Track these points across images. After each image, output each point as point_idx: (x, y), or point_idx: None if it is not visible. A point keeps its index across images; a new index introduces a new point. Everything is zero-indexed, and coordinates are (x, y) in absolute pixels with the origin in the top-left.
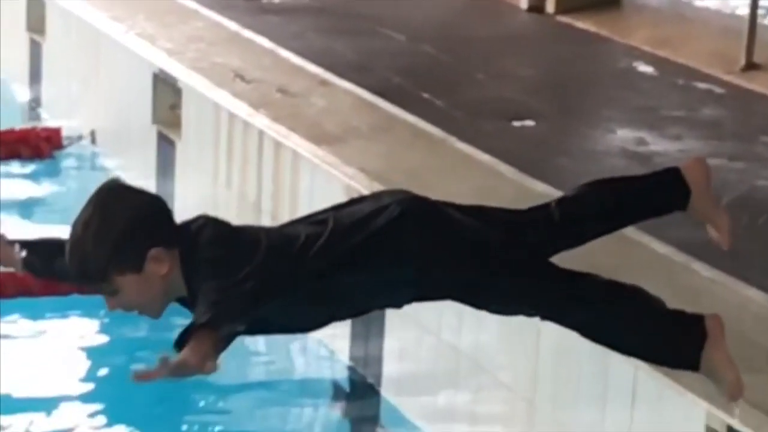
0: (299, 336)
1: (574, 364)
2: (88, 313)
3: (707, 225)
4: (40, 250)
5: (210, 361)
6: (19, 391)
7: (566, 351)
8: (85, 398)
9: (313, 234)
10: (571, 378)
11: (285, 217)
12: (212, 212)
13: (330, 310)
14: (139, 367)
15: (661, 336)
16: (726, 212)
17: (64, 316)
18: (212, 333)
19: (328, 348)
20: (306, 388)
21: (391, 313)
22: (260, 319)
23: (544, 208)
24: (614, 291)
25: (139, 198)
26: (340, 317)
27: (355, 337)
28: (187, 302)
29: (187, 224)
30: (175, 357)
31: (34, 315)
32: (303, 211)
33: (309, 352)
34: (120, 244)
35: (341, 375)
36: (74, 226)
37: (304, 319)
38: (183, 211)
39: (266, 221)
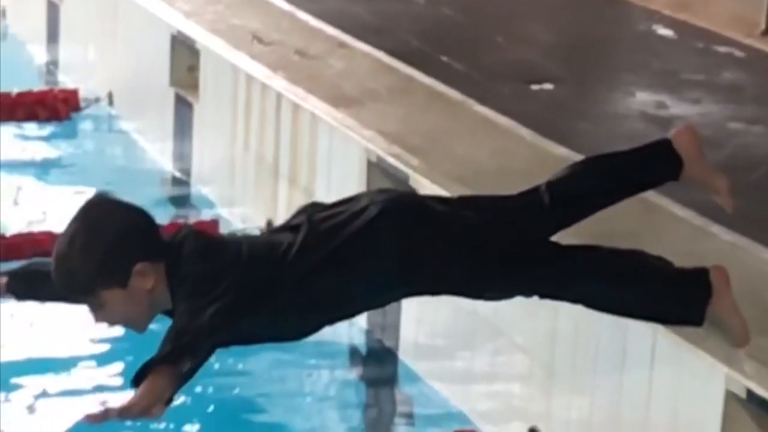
0: None
1: (592, 329)
2: None
3: (708, 190)
4: (23, 275)
5: (160, 404)
6: (27, 349)
7: (585, 315)
8: (98, 358)
9: (292, 241)
10: (589, 342)
11: (303, 180)
12: (230, 174)
13: (318, 316)
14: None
15: (666, 298)
16: (723, 174)
17: None
18: (171, 369)
19: None
20: (323, 352)
21: None
22: (246, 331)
23: (534, 192)
24: (614, 262)
25: (125, 212)
26: (330, 322)
27: None
28: (173, 316)
29: (172, 237)
30: (128, 397)
31: None
32: (321, 173)
33: None
34: (105, 259)
35: (359, 339)
36: (60, 241)
37: (293, 327)
38: (200, 173)
39: (284, 185)
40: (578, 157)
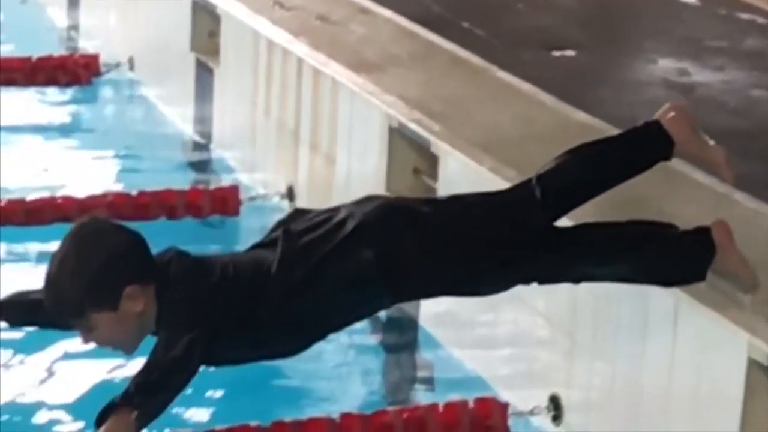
0: None
1: (614, 296)
2: None
3: (705, 165)
4: (14, 303)
5: None
6: None
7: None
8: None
9: (272, 260)
10: (611, 309)
11: (324, 146)
12: (251, 139)
13: (307, 333)
14: None
15: (668, 264)
16: (718, 148)
17: None
18: (133, 413)
19: None
20: None
21: None
22: (230, 355)
23: (525, 186)
24: (612, 240)
25: (116, 236)
26: (320, 337)
27: None
28: None
29: (159, 258)
30: None
31: None
32: (342, 139)
33: None
34: (95, 282)
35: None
36: (51, 263)
37: (281, 346)
38: (221, 138)
39: (305, 150)
40: (599, 124)
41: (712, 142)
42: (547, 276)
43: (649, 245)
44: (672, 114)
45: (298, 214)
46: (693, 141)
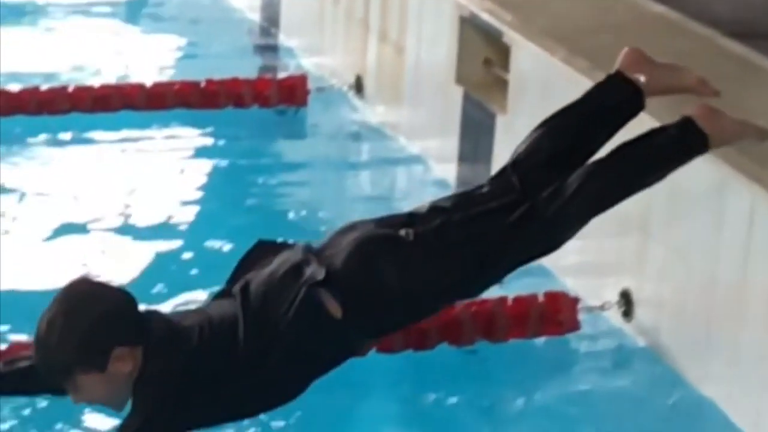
0: (403, 157)
1: (688, 188)
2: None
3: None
4: (4, 372)
5: None
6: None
7: (680, 175)
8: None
9: (237, 318)
10: (685, 202)
11: (393, 36)
12: (319, 27)
13: (293, 385)
14: None
15: (663, 169)
16: (684, 69)
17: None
18: None
19: (433, 171)
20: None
21: (500, 133)
22: (206, 419)
23: (501, 175)
24: (602, 181)
25: (105, 298)
26: (307, 386)
27: (463, 160)
28: None
29: (144, 318)
30: None
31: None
32: (411, 29)
33: (414, 176)
34: (83, 346)
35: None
36: (40, 324)
37: (266, 403)
38: (289, 25)
39: (373, 39)
40: (675, 16)
41: (678, 68)
42: (544, 246)
43: (638, 167)
44: (625, 60)
45: (260, 251)
46: (657, 75)
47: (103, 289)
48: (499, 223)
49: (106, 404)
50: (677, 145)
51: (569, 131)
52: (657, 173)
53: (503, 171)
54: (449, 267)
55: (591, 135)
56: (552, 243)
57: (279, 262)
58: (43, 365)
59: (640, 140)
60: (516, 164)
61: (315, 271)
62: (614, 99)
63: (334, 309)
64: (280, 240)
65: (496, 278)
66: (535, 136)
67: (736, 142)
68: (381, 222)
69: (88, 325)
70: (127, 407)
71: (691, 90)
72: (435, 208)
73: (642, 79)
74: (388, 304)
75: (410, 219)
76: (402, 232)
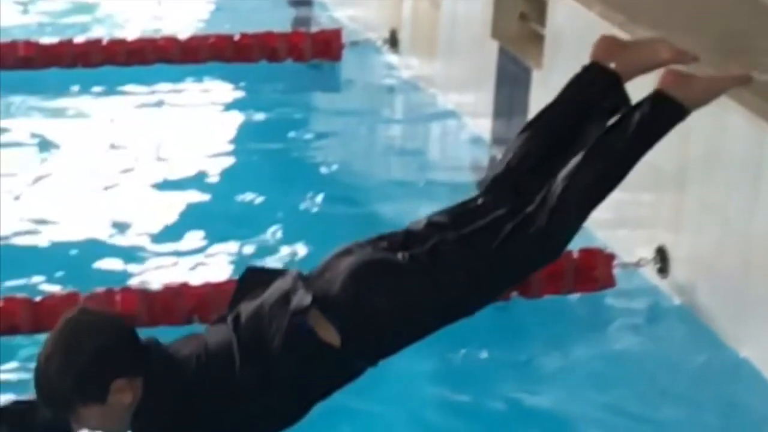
0: (437, 112)
1: (725, 148)
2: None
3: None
4: (8, 412)
5: None
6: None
7: (717, 132)
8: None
9: (233, 347)
10: (722, 159)
11: None
12: None
13: (293, 411)
14: None
15: (646, 147)
16: (657, 40)
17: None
18: None
19: (467, 126)
20: (445, 166)
21: (536, 88)
22: None
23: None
24: (585, 180)
25: (103, 330)
26: (308, 410)
27: (497, 115)
28: None
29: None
30: None
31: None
32: None
33: (448, 131)
34: (82, 381)
35: (481, 154)
36: (39, 358)
37: (266, 429)
38: None
39: None
40: None
41: (652, 42)
42: (552, 250)
43: (620, 154)
44: (598, 48)
45: (252, 277)
46: (627, 57)
47: (101, 320)
48: (493, 239)
49: None
50: (654, 122)
51: (556, 132)
52: (641, 152)
53: (495, 180)
54: (445, 288)
55: (579, 132)
56: (552, 249)
57: (270, 292)
58: (44, 400)
59: (617, 127)
60: (508, 172)
61: (301, 298)
62: (594, 91)
63: (333, 338)
64: (270, 267)
65: (498, 293)
66: (523, 140)
67: (714, 98)
68: (377, 244)
69: (86, 360)
70: None
71: (669, 62)
72: (431, 225)
73: (614, 64)
74: (388, 329)
75: (406, 238)
76: (399, 256)
